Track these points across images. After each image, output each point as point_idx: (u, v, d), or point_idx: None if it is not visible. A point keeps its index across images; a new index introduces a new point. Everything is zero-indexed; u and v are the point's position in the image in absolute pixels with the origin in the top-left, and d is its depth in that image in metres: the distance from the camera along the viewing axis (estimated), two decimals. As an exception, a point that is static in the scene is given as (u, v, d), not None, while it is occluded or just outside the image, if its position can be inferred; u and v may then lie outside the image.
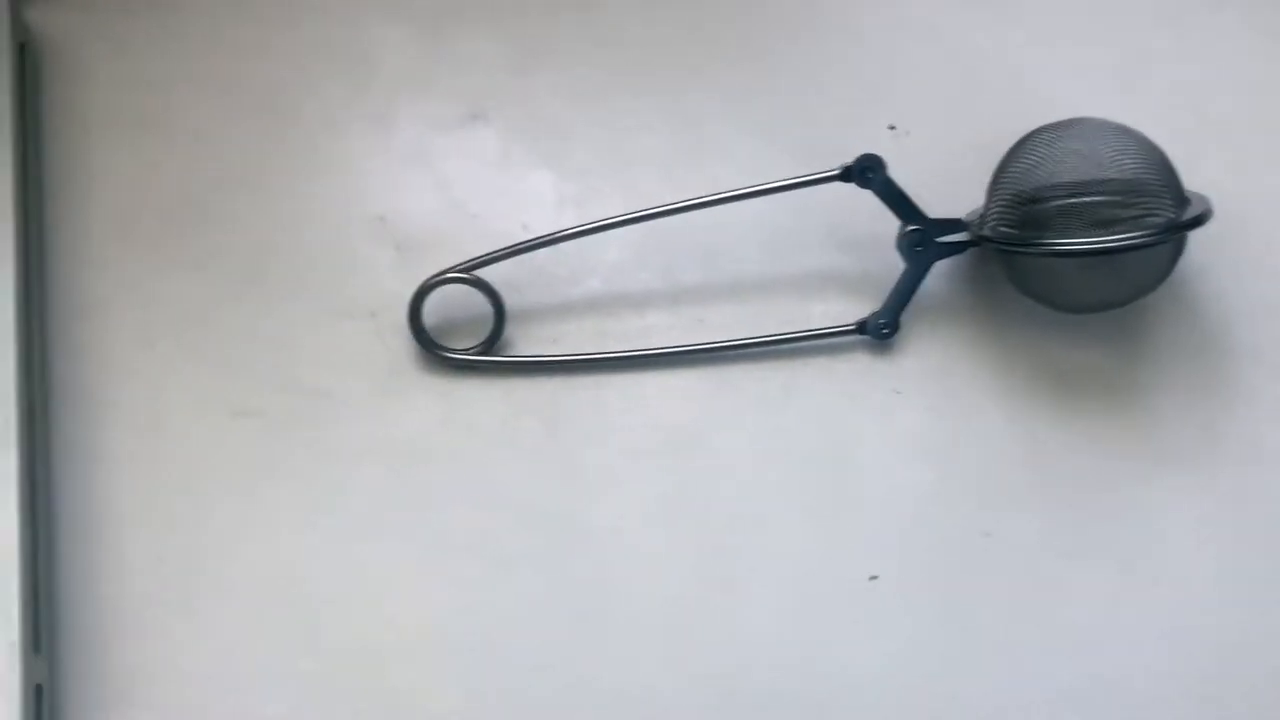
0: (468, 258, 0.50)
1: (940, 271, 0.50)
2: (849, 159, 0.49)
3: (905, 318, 0.50)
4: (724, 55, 0.54)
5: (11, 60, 0.49)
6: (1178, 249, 0.48)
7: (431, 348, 0.49)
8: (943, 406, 0.50)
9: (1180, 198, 0.48)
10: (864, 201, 0.49)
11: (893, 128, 0.53)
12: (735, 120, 0.53)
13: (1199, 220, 0.46)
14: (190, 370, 0.49)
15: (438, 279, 0.49)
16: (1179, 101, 0.53)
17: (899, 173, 0.49)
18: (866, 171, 0.48)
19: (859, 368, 0.50)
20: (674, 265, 0.52)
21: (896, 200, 0.49)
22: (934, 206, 0.50)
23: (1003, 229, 0.48)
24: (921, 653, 0.48)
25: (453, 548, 0.48)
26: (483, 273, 0.50)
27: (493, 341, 0.49)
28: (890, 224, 0.50)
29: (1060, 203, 0.47)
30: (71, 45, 0.52)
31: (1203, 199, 0.48)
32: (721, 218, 0.50)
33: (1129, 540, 0.49)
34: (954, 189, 0.51)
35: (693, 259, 0.51)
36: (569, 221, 0.51)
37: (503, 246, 0.50)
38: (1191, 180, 0.48)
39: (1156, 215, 0.47)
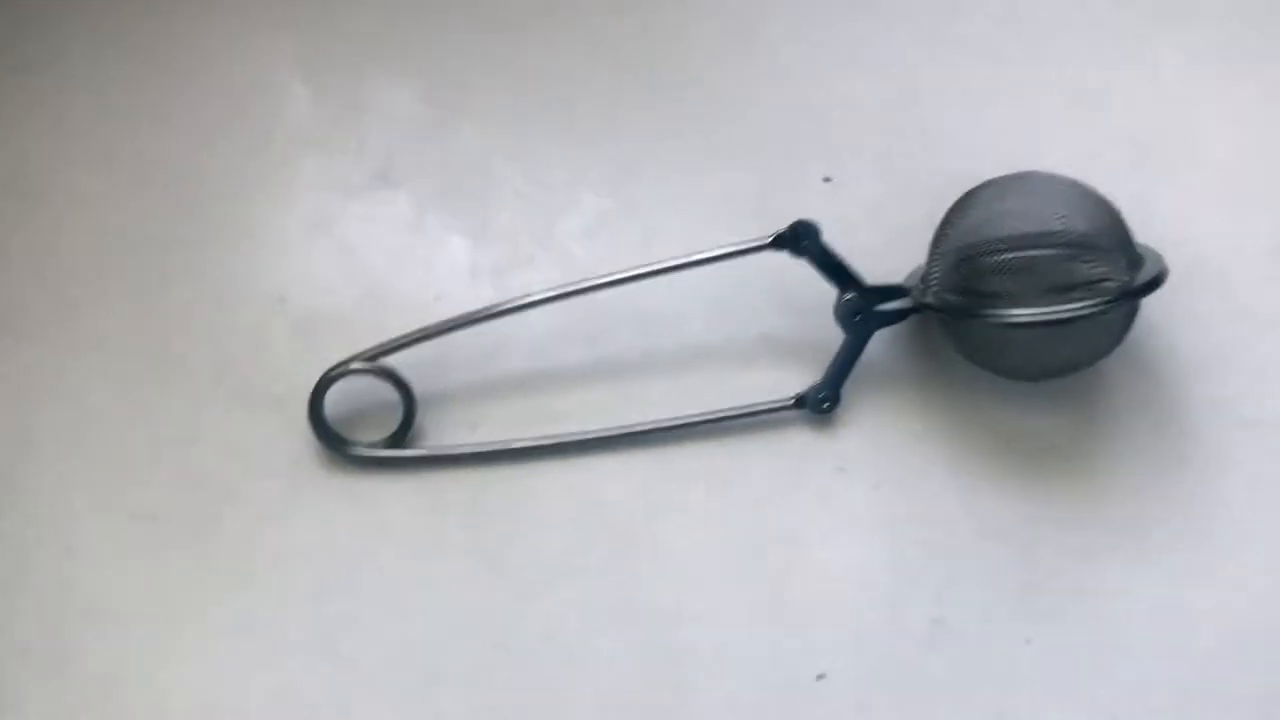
0: (376, 335, 0.46)
1: (882, 339, 0.47)
2: (784, 212, 0.46)
3: (847, 389, 0.47)
4: (653, 105, 0.50)
5: None
6: (1132, 311, 0.45)
7: (336, 445, 0.45)
8: (888, 483, 0.47)
9: (1133, 255, 0.45)
10: (801, 265, 0.46)
11: (828, 179, 0.50)
12: (666, 174, 0.50)
13: (1155, 283, 0.43)
14: (79, 472, 0.45)
15: (338, 370, 0.45)
16: (1127, 147, 0.50)
17: (835, 227, 0.46)
18: (800, 239, 0.45)
19: (800, 444, 0.47)
20: (601, 338, 0.48)
21: (832, 267, 0.46)
22: (873, 262, 0.47)
23: (946, 295, 0.45)
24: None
25: (373, 664, 0.44)
26: (391, 357, 0.46)
27: (403, 433, 0.46)
28: (830, 287, 0.46)
29: (1006, 257, 0.44)
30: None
31: (1156, 256, 0.45)
32: (651, 285, 0.46)
33: (1088, 619, 0.46)
34: (895, 242, 0.48)
35: (621, 330, 0.48)
36: (486, 290, 0.48)
37: (414, 325, 0.46)
38: (1141, 230, 0.45)
39: (1110, 279, 0.44)
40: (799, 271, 0.46)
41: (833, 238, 0.46)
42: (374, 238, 0.49)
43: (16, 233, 0.47)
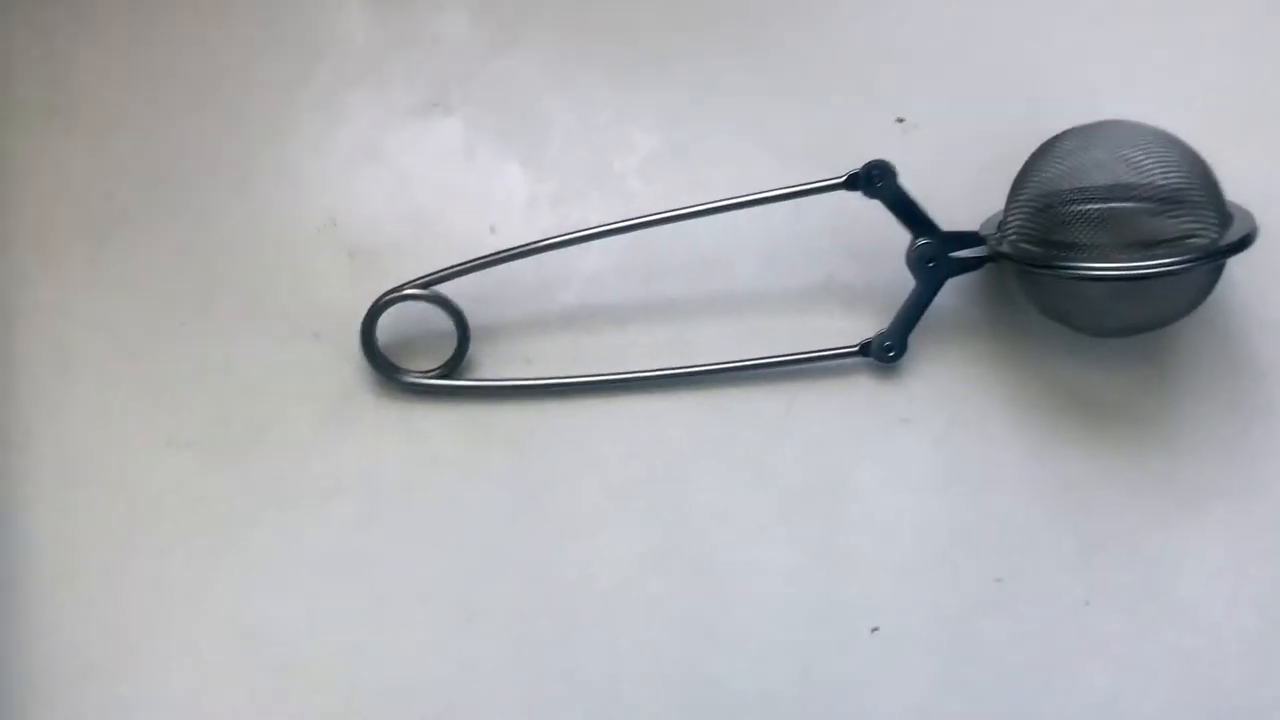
0: (428, 265, 0.45)
1: (953, 287, 0.45)
2: (852, 155, 0.44)
3: (914, 339, 0.45)
4: (716, 36, 0.48)
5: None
6: (1217, 270, 0.43)
7: (387, 371, 0.44)
8: (953, 437, 0.45)
9: (1222, 212, 0.43)
10: (870, 208, 0.44)
11: (901, 120, 0.48)
12: (728, 110, 0.48)
13: (1244, 243, 0.41)
14: (116, 400, 0.44)
15: (392, 295, 0.44)
16: (1219, 99, 0.47)
17: (907, 170, 0.44)
18: (875, 179, 0.43)
19: (862, 393, 0.46)
20: (659, 276, 0.47)
21: (907, 211, 0.44)
22: (946, 207, 0.45)
23: (1024, 245, 0.43)
24: (926, 713, 0.44)
25: (411, 597, 0.44)
26: (445, 286, 0.44)
27: (456, 363, 0.45)
28: (900, 232, 0.45)
29: (1088, 208, 0.43)
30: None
31: (1245, 214, 0.43)
32: (712, 224, 0.45)
33: (1155, 586, 0.44)
34: (968, 188, 0.46)
35: (679, 269, 0.47)
36: (542, 224, 0.47)
37: (467, 256, 0.45)
38: (1230, 185, 0.43)
39: (1197, 236, 0.42)
40: (867, 215, 0.45)
41: (904, 181, 0.44)
42: (427, 166, 0.47)
43: (57, 153, 0.46)
